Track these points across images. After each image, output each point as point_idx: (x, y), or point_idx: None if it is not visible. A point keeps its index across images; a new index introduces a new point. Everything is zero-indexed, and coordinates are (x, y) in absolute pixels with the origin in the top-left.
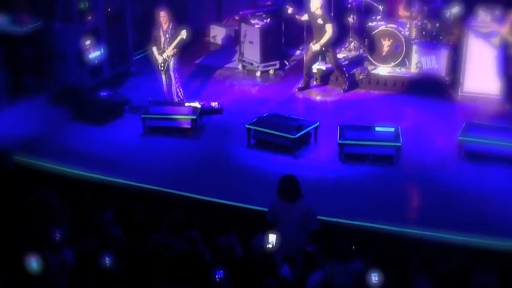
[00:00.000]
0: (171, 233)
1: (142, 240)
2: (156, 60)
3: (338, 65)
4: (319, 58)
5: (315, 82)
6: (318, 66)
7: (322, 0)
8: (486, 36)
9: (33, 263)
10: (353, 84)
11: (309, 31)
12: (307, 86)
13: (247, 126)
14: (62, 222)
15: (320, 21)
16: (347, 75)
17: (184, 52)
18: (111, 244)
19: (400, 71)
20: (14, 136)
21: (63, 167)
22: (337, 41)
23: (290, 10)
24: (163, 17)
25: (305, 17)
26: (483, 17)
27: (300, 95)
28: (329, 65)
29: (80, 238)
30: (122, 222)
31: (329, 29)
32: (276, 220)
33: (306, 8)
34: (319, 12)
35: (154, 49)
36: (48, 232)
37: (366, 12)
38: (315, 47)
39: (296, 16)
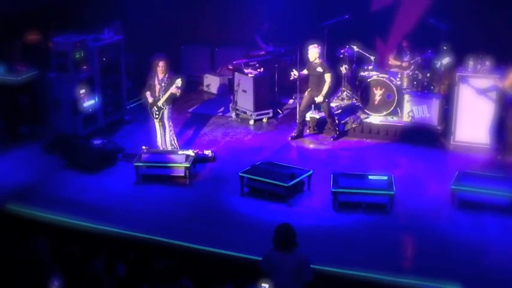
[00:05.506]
0: (162, 283)
1: None
2: (151, 108)
3: (330, 114)
4: (313, 107)
5: (308, 130)
6: (311, 115)
7: (320, 49)
8: (478, 87)
9: None
10: (346, 132)
11: (301, 80)
12: (300, 135)
13: (240, 174)
14: (53, 273)
15: (320, 69)
16: (338, 124)
17: (179, 100)
18: None
19: (392, 120)
20: (6, 184)
21: (55, 216)
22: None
23: (295, 75)
24: (161, 67)
25: (305, 71)
26: (474, 67)
27: (293, 143)
28: (322, 114)
29: None
30: (112, 272)
31: (328, 78)
32: (270, 269)
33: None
34: (318, 61)
35: (149, 96)
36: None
37: (358, 62)
38: (318, 98)
39: (301, 74)
